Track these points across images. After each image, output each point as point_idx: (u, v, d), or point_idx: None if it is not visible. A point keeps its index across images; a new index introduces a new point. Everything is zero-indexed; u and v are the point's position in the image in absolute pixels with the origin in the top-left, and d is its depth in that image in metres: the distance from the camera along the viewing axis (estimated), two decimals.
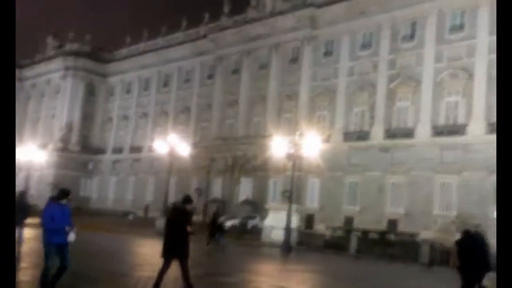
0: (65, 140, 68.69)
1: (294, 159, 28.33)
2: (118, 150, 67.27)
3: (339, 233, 32.94)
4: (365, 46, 43.32)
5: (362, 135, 41.83)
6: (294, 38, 48.35)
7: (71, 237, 8.91)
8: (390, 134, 40.09)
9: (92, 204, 65.17)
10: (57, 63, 72.29)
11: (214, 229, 23.98)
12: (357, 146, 41.52)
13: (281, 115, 48.58)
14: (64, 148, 68.00)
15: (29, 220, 14.95)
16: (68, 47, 72.20)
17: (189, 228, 9.54)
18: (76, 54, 71.04)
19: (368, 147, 40.76)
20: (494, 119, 34.87)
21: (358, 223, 37.98)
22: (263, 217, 36.29)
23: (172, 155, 35.65)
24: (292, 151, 28.17)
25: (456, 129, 36.69)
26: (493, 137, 33.63)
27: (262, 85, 50.26)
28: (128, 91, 68.79)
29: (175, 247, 9.53)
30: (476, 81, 36.11)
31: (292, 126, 43.82)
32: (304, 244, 29.72)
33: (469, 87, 36.59)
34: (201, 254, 20.77)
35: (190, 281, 9.72)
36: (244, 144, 49.20)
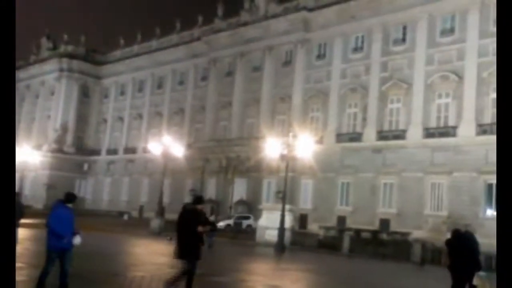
0: (59, 141, 68.74)
1: (287, 160, 28.68)
2: (112, 151, 67.42)
3: (332, 233, 33.34)
4: (357, 49, 43.86)
5: (355, 137, 42.34)
6: (287, 41, 48.81)
7: (77, 240, 8.87)
8: (382, 135, 40.62)
9: (86, 205, 65.25)
10: (52, 65, 72.34)
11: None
12: (349, 148, 42.02)
13: (275, 117, 49.02)
14: (58, 149, 68.07)
15: (23, 221, 15.04)
16: (63, 48, 72.33)
17: (200, 228, 9.39)
18: (71, 56, 71.18)
19: (360, 148, 41.27)
20: (484, 120, 35.54)
21: (351, 223, 38.48)
22: (257, 217, 36.64)
23: (166, 156, 35.91)
24: (285, 152, 28.50)
25: (446, 131, 37.27)
26: (483, 138, 34.48)
27: (256, 87, 50.67)
28: (122, 93, 68.96)
29: (187, 248, 9.40)
30: (466, 83, 36.69)
31: (285, 128, 44.25)
32: (297, 243, 30.04)
33: (459, 90, 37.18)
34: None
35: (171, 282, 9.57)
36: (238, 145, 49.58)
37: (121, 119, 67.99)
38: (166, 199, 50.30)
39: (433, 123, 38.33)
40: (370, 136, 41.15)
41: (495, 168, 26.97)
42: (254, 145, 43.89)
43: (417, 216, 36.71)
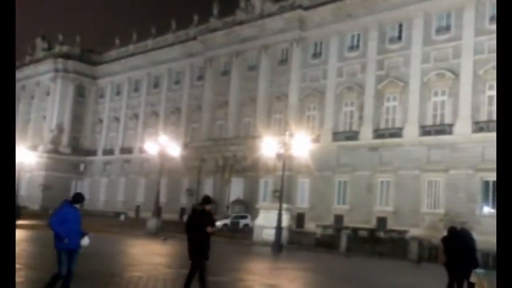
0: (55, 142, 68.58)
1: (284, 159, 28.63)
2: (108, 152, 67.29)
3: (329, 231, 33.29)
4: (353, 47, 43.85)
5: (351, 135, 42.34)
6: (283, 40, 48.77)
7: (85, 241, 8.76)
8: (379, 134, 40.64)
9: (83, 205, 65.04)
10: (47, 65, 72.12)
11: None
12: (346, 146, 42.02)
13: (271, 116, 48.98)
14: (54, 150, 67.90)
15: (19, 222, 14.97)
16: (58, 49, 72.11)
17: (209, 229, 9.41)
18: (66, 56, 71.02)
19: (357, 146, 41.28)
20: (480, 118, 35.61)
21: (348, 222, 38.51)
22: (254, 217, 36.60)
23: (163, 156, 35.82)
24: (282, 151, 28.45)
25: (443, 129, 37.31)
26: (479, 135, 34.56)
27: (252, 86, 50.62)
28: (118, 93, 68.81)
29: (198, 249, 9.44)
30: (462, 81, 36.74)
31: (281, 127, 44.18)
32: (294, 242, 30.04)
33: (455, 87, 37.22)
34: (186, 253, 21.13)
35: (189, 283, 9.66)
36: (235, 144, 49.53)
37: (117, 119, 67.84)
38: (162, 199, 50.30)
39: (429, 121, 38.36)
40: (366, 134, 41.15)
41: (491, 166, 27.08)
42: (251, 144, 43.86)
43: (414, 214, 36.75)
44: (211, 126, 54.46)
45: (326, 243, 29.96)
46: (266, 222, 30.45)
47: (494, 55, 34.83)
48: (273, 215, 28.10)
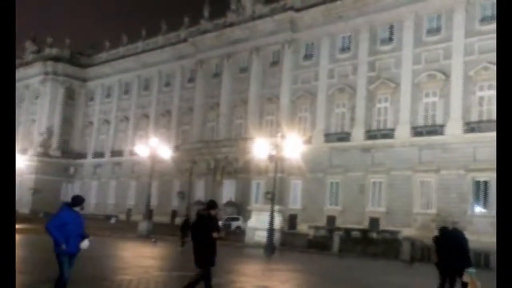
0: (45, 145, 68.01)
1: (276, 161, 28.55)
2: (99, 154, 66.84)
3: (322, 232, 33.26)
4: (344, 49, 43.88)
5: (343, 136, 42.33)
6: (274, 42, 48.70)
7: (85, 244, 8.53)
8: (370, 135, 40.67)
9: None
10: (36, 68, 71.56)
11: (185, 231, 25.49)
12: (338, 147, 42.01)
13: (263, 118, 48.86)
14: (44, 153, 67.33)
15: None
16: (47, 51, 71.55)
17: (215, 234, 9.29)
18: (56, 58, 70.47)
19: (349, 148, 41.27)
20: (471, 118, 35.77)
21: (340, 223, 38.47)
22: (246, 219, 36.46)
23: (154, 158, 35.60)
24: (274, 153, 28.37)
25: (434, 129, 37.40)
26: (470, 136, 34.74)
27: (243, 88, 50.50)
28: (108, 95, 68.40)
29: (203, 255, 9.26)
30: (453, 82, 36.86)
31: (273, 129, 44.13)
32: (287, 244, 29.96)
33: (446, 88, 37.34)
34: (177, 256, 21.11)
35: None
36: (226, 146, 49.36)
37: (107, 121, 67.43)
38: (154, 202, 49.99)
39: (420, 122, 38.45)
40: (358, 135, 41.17)
41: (482, 166, 27.21)
42: (243, 146, 43.75)
43: (406, 214, 36.79)
44: (202, 128, 54.24)
45: (318, 244, 29.94)
46: (258, 224, 30.37)
47: (485, 56, 35.19)
48: (265, 217, 28.01)
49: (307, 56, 46.55)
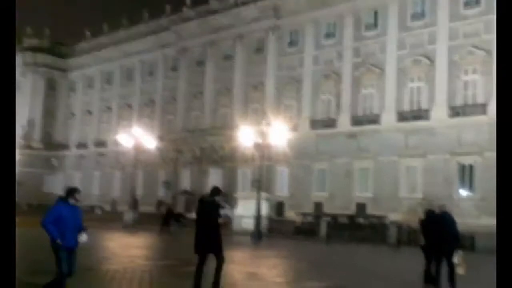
0: (27, 137, 66.91)
1: (262, 148, 28.33)
2: (82, 146, 66.02)
3: (309, 219, 33.29)
4: (329, 35, 43.60)
5: (329, 123, 42.22)
6: (258, 28, 48.20)
7: (83, 238, 8.32)
8: (357, 121, 40.59)
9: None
10: (16, 60, 70.12)
11: (167, 219, 30.31)
12: (324, 134, 41.90)
13: (248, 106, 48.50)
14: (26, 146, 66.18)
15: None
16: (27, 42, 69.98)
17: (220, 220, 9.34)
18: (35, 49, 69.12)
19: (335, 134, 41.18)
20: (456, 103, 35.89)
21: (328, 209, 38.46)
22: (233, 207, 36.27)
23: (138, 148, 35.16)
24: (260, 141, 28.15)
25: (419, 114, 37.41)
26: (455, 120, 34.90)
27: (227, 76, 50.03)
28: (90, 86, 67.40)
29: (208, 241, 9.23)
30: (437, 67, 36.86)
31: (259, 116, 43.69)
32: (275, 231, 29.90)
33: (431, 73, 37.33)
34: (162, 245, 20.87)
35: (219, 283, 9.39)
36: (212, 135, 48.98)
37: (90, 112, 66.54)
38: (139, 192, 49.61)
39: (406, 107, 38.45)
40: (344, 122, 41.09)
41: (467, 149, 27.39)
42: (228, 135, 43.37)
43: (392, 199, 36.89)
44: (187, 117, 53.74)
45: (306, 231, 29.97)
46: (245, 211, 30.29)
47: (469, 40, 35.27)
48: (252, 204, 27.89)
49: (292, 43, 46.20)
